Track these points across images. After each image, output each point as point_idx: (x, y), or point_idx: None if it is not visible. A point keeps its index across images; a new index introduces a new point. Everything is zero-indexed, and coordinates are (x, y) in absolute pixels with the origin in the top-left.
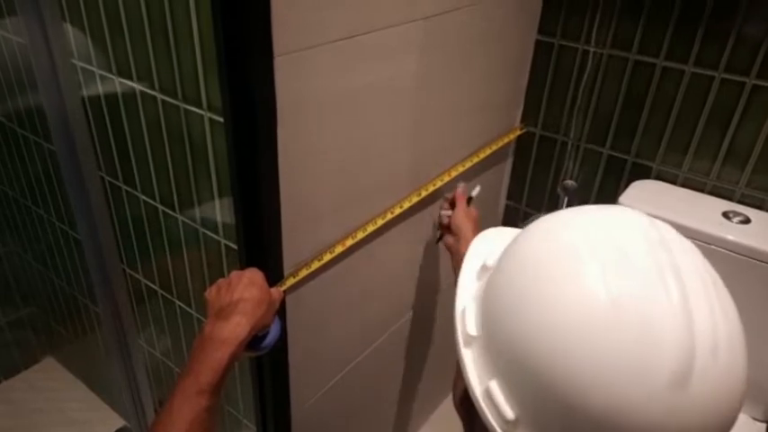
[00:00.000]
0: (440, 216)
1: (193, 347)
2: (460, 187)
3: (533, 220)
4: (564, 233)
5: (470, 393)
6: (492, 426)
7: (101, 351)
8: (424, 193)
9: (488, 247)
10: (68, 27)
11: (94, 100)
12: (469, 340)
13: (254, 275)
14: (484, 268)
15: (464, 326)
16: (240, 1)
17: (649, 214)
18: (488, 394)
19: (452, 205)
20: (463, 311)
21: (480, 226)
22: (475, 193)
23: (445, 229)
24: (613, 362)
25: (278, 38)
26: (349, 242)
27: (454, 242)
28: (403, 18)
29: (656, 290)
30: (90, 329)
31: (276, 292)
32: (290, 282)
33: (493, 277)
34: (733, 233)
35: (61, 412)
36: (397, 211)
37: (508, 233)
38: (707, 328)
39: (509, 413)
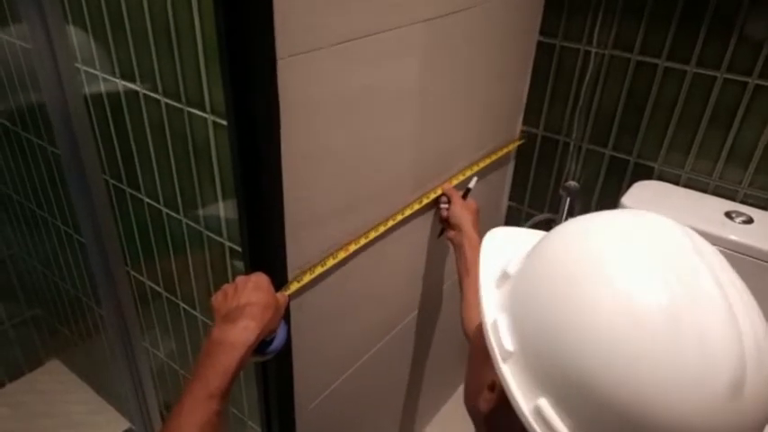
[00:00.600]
0: (439, 209)
1: (201, 352)
2: (448, 185)
3: (538, 221)
4: (599, 240)
5: (516, 410)
6: None
7: (105, 353)
8: (425, 201)
9: (501, 250)
10: (72, 31)
11: (98, 103)
12: (507, 355)
13: (259, 279)
14: (504, 276)
15: (499, 340)
16: (243, 4)
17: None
18: (539, 412)
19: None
20: (494, 324)
21: (480, 217)
22: (472, 184)
23: (445, 222)
24: (673, 375)
25: (281, 41)
26: (352, 247)
27: (456, 235)
28: (404, 21)
29: (704, 298)
30: (95, 332)
31: (282, 296)
32: (295, 287)
33: (521, 286)
34: (736, 233)
35: (66, 415)
36: (399, 217)
37: (518, 234)
38: (751, 334)
39: (563, 430)
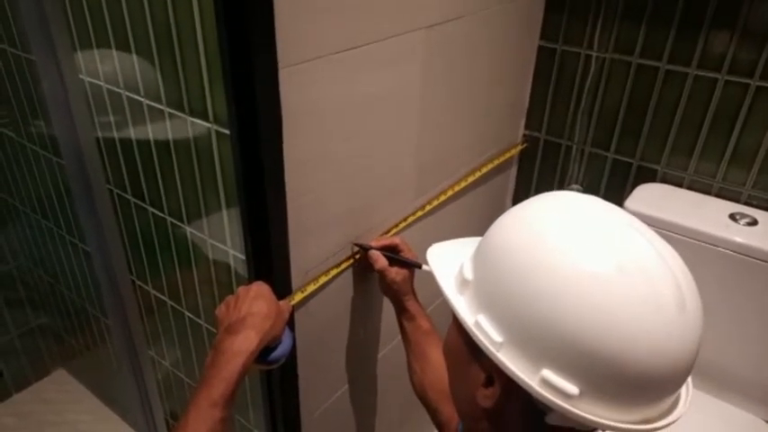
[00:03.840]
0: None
1: (205, 363)
2: (399, 238)
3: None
4: (539, 219)
5: (527, 388)
6: (551, 400)
7: (111, 362)
8: (428, 207)
9: (446, 262)
10: (76, 43)
11: (102, 114)
12: (498, 346)
13: (260, 289)
14: (464, 282)
15: (487, 335)
16: (244, 14)
17: (656, 217)
18: (546, 382)
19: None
20: (477, 324)
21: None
22: (427, 268)
23: (379, 276)
24: (635, 309)
25: (282, 50)
26: (356, 255)
27: (390, 293)
28: (405, 27)
29: (637, 248)
30: (101, 341)
31: (284, 304)
32: (299, 297)
33: (485, 285)
34: (740, 235)
35: (72, 424)
36: (402, 225)
37: (452, 245)
38: (676, 266)
39: (572, 389)
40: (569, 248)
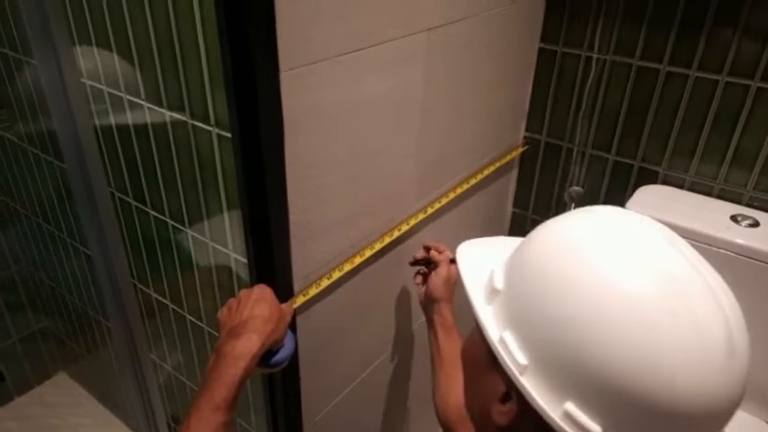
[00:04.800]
0: (419, 269)
1: (207, 367)
2: (448, 250)
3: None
4: (579, 238)
5: (546, 419)
6: None
7: (113, 366)
8: (430, 210)
9: (477, 265)
10: (78, 47)
11: (104, 118)
12: (522, 369)
13: (262, 292)
14: (493, 291)
15: (511, 356)
16: (246, 18)
17: (657, 219)
18: (568, 416)
19: (426, 262)
20: (502, 341)
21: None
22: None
23: (420, 284)
24: (679, 353)
25: (283, 54)
26: (357, 260)
27: (428, 306)
28: (406, 31)
29: (686, 280)
30: (102, 344)
31: (286, 307)
32: (301, 300)
33: (515, 299)
34: (742, 237)
35: (74, 428)
36: (404, 227)
37: (485, 245)
38: (726, 300)
39: (595, 427)
40: (612, 274)
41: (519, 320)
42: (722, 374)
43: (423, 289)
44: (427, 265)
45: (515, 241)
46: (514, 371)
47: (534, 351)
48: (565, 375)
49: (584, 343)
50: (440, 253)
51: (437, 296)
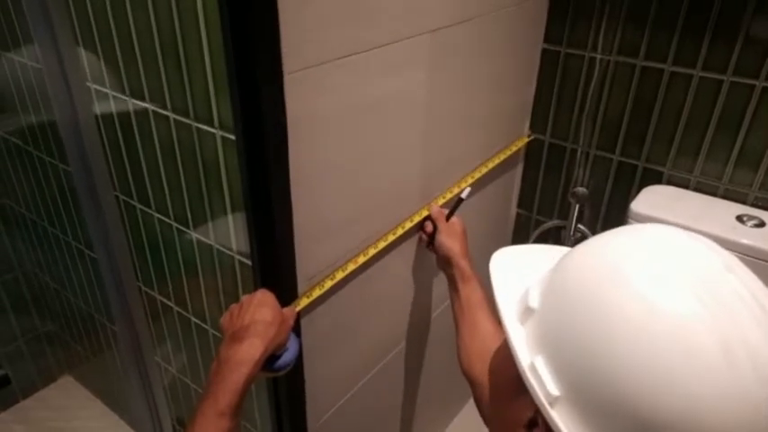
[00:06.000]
0: (422, 236)
1: (211, 372)
2: (435, 207)
3: (547, 228)
4: (626, 263)
5: None
6: None
7: (118, 369)
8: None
9: (513, 278)
10: (82, 51)
11: (108, 120)
12: (553, 400)
13: (264, 297)
14: (527, 311)
15: (542, 384)
16: (249, 20)
17: (663, 220)
18: None
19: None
20: (533, 368)
21: (467, 235)
22: (464, 194)
23: (430, 248)
24: (733, 403)
25: (287, 56)
26: (361, 259)
27: (444, 266)
28: (409, 32)
29: (747, 318)
30: (107, 347)
31: (289, 310)
32: (305, 302)
33: (551, 324)
34: (747, 237)
35: (79, 431)
36: (408, 225)
37: (522, 255)
38: None
39: None
40: (660, 307)
41: (553, 346)
42: None
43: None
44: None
45: (556, 253)
46: (544, 402)
47: (568, 382)
48: (600, 412)
49: (624, 380)
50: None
51: (446, 253)
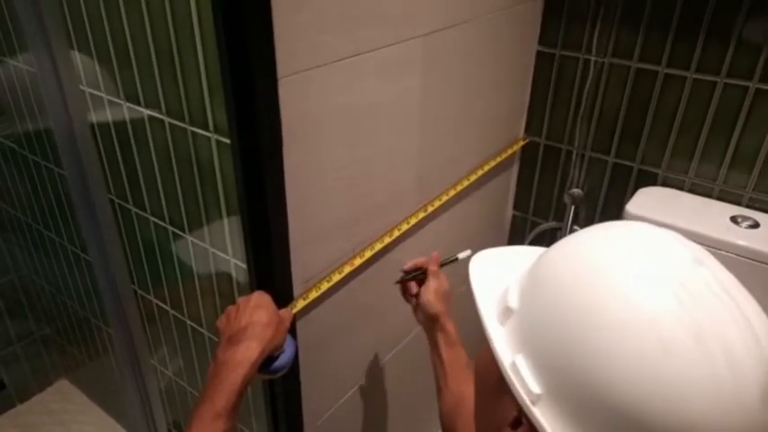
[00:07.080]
0: (406, 282)
1: (207, 374)
2: (434, 255)
3: (543, 230)
4: (600, 261)
5: None
6: None
7: (114, 372)
8: (430, 209)
9: (491, 278)
10: (76, 55)
11: (103, 124)
12: (535, 398)
13: (260, 299)
14: (507, 311)
15: (523, 383)
16: (244, 24)
17: (657, 221)
18: None
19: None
20: (514, 366)
21: (451, 299)
22: (462, 255)
23: (413, 298)
24: (710, 394)
25: (281, 60)
26: (357, 261)
27: (426, 323)
28: (403, 36)
29: (719, 309)
30: (103, 351)
31: (285, 312)
32: (301, 304)
33: (530, 322)
34: (742, 238)
35: None
36: (404, 227)
37: (500, 256)
38: (765, 335)
39: None
40: (639, 305)
41: (533, 344)
42: (754, 424)
43: (416, 306)
44: (415, 278)
45: (533, 253)
46: (526, 400)
47: (549, 379)
48: (582, 408)
49: (604, 375)
50: (424, 265)
51: (433, 312)
